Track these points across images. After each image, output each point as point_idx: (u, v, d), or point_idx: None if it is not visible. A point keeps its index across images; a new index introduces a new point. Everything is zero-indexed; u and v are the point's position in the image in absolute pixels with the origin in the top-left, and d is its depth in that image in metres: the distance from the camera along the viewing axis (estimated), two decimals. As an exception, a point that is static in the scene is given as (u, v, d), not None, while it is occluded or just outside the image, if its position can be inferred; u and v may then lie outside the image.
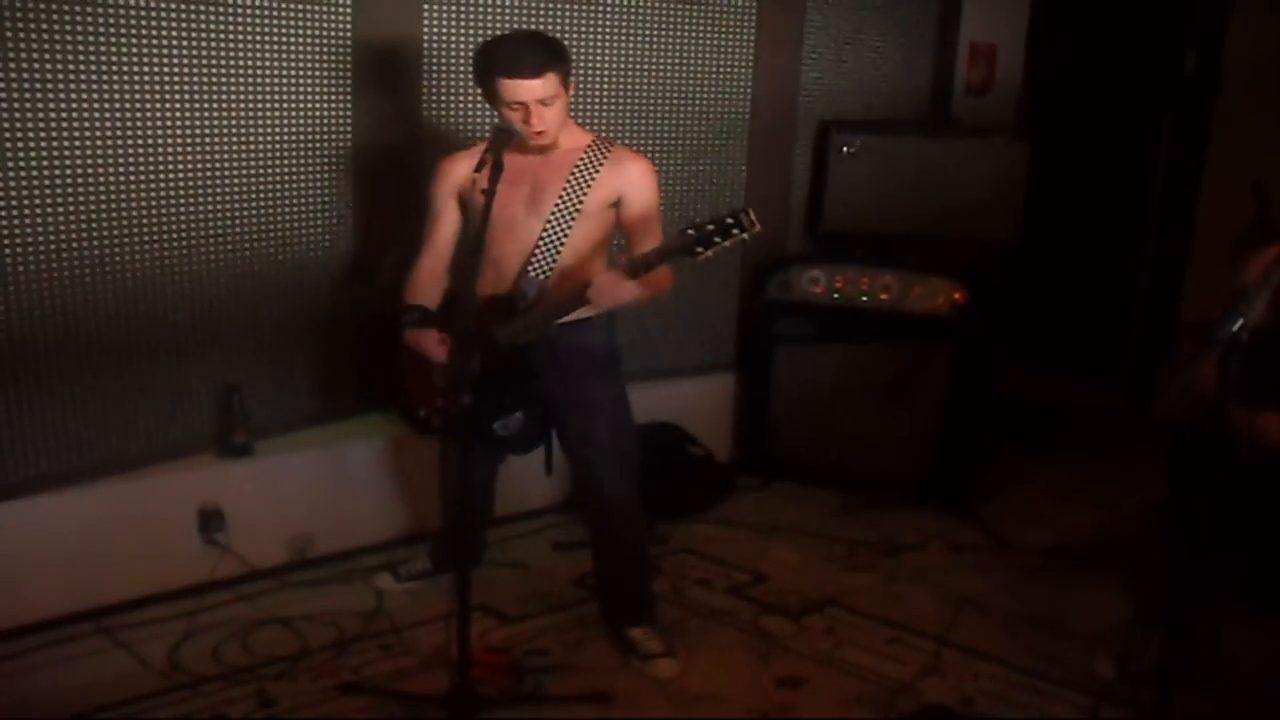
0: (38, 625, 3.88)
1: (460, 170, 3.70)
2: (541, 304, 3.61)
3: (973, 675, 3.81)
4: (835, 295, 5.24)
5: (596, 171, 3.62)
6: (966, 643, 4.01)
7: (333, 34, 4.32)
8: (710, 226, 3.28)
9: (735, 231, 3.27)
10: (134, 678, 3.67)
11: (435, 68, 4.56)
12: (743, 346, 5.55)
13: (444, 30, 4.54)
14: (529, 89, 3.43)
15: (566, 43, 3.61)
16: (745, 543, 4.82)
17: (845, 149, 5.45)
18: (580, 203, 3.62)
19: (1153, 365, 5.98)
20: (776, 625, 4.12)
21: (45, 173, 3.71)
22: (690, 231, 3.30)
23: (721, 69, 5.25)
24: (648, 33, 5.02)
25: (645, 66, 5.05)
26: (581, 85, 4.83)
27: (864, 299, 5.19)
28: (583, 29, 4.83)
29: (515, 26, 4.59)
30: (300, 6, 4.21)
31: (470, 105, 4.60)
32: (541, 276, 3.63)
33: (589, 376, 3.78)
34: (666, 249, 3.44)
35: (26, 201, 3.69)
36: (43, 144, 3.69)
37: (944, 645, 3.99)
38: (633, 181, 3.65)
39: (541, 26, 4.65)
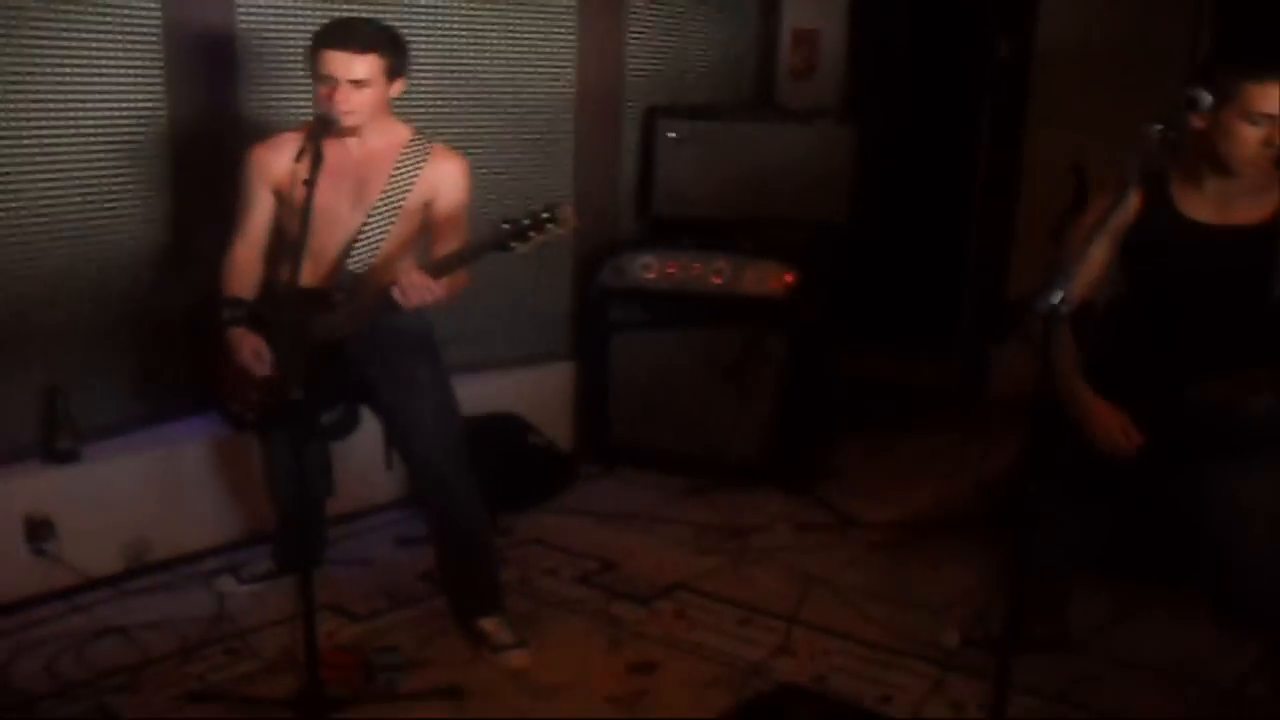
0: None
1: (275, 158, 3.63)
2: (358, 298, 3.56)
3: (823, 652, 3.86)
4: (668, 280, 5.25)
5: (419, 168, 3.61)
6: (816, 621, 4.06)
7: (141, 21, 4.18)
8: (525, 221, 3.24)
9: (550, 226, 3.24)
10: None
11: (252, 55, 4.44)
12: (578, 334, 5.54)
13: (259, 17, 4.43)
14: (343, 63, 3.39)
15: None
16: (591, 530, 4.82)
17: (672, 134, 5.48)
18: (403, 198, 3.60)
19: (982, 342, 6.15)
20: (627, 611, 4.12)
21: None
22: (505, 225, 3.27)
23: (544, 57, 5.23)
24: (469, 21, 4.98)
25: (467, 55, 5.01)
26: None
27: (697, 283, 5.22)
28: (403, 17, 4.73)
29: (331, 13, 4.50)
30: None
31: (290, 93, 4.49)
32: (360, 271, 3.59)
33: (408, 359, 3.76)
34: (479, 245, 3.40)
35: None
36: None
37: (794, 624, 4.03)
38: (449, 180, 3.65)
39: (359, 11, 4.57)
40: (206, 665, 3.70)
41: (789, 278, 5.10)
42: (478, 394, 4.95)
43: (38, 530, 4.03)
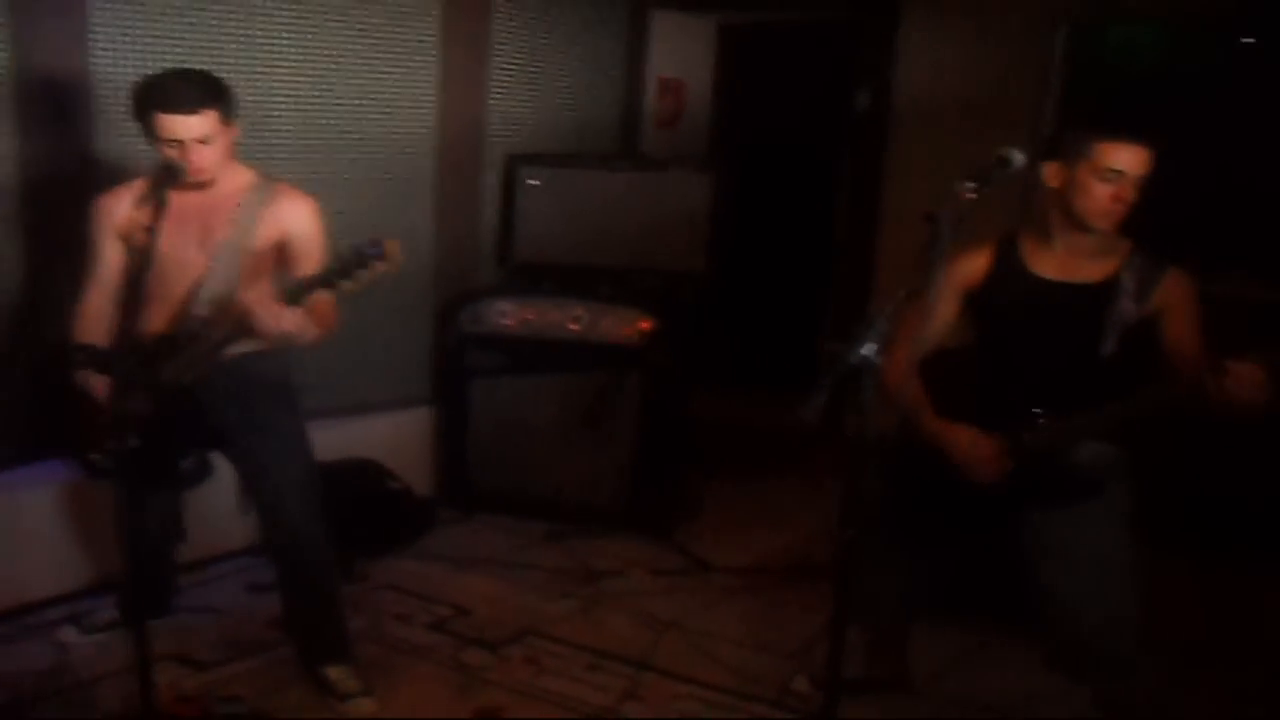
0: None
1: (119, 208, 3.62)
2: (203, 339, 3.54)
3: (673, 697, 3.89)
4: (526, 327, 5.28)
5: (263, 209, 3.61)
6: (667, 666, 4.09)
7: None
8: (350, 257, 3.23)
9: (375, 262, 3.22)
10: None
11: (106, 101, 4.41)
12: (438, 380, 5.54)
13: (113, 62, 4.39)
14: (185, 125, 3.39)
15: (241, 76, 3.56)
16: (446, 576, 4.81)
17: (531, 181, 5.52)
18: (248, 239, 3.60)
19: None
20: (476, 658, 4.12)
21: None
22: (331, 264, 3.28)
23: (405, 101, 5.25)
24: (328, 63, 4.97)
25: (326, 98, 5.00)
26: (258, 120, 4.75)
27: (554, 330, 5.26)
28: (258, 62, 4.74)
29: (187, 58, 4.49)
30: None
31: (145, 139, 4.45)
32: (204, 313, 3.58)
33: (264, 405, 3.76)
34: (311, 279, 3.37)
35: None
36: None
37: (644, 669, 4.06)
38: (297, 219, 3.66)
39: (214, 58, 4.56)
40: (44, 718, 3.63)
41: (645, 324, 5.16)
42: (336, 439, 4.94)
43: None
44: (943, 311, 3.42)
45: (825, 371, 2.52)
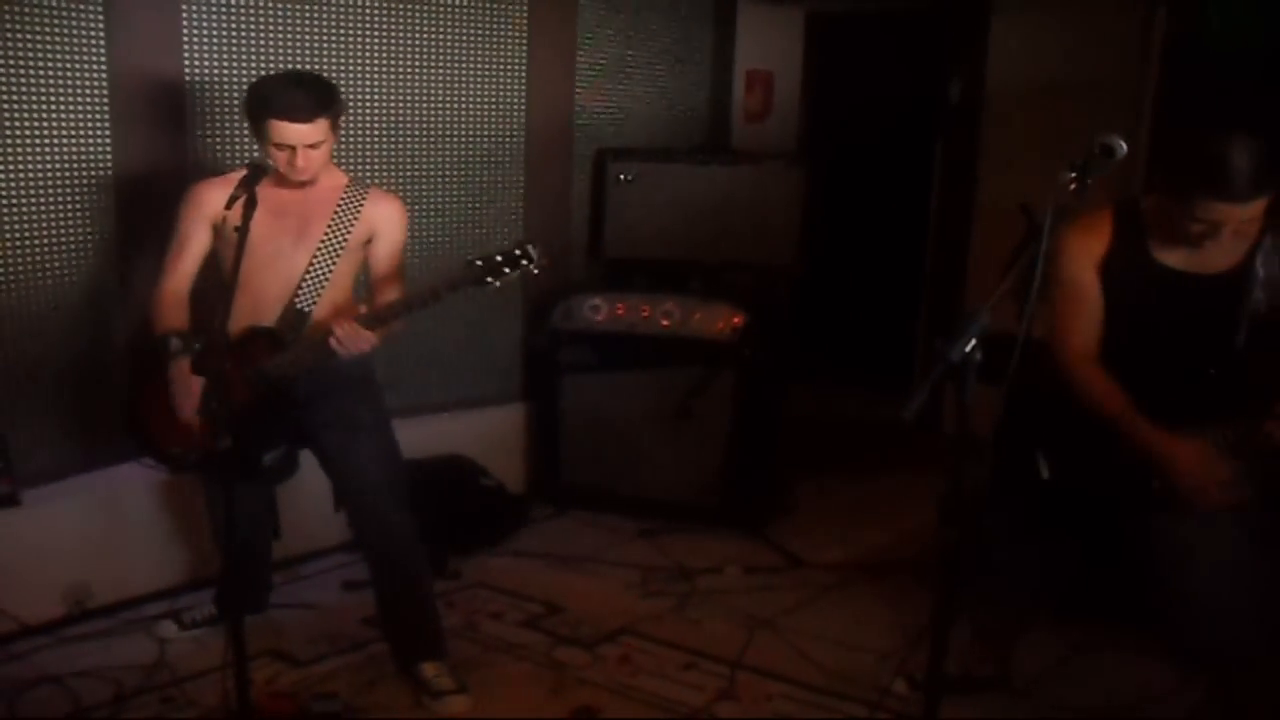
0: None
1: (215, 198, 3.62)
2: (307, 338, 3.58)
3: (767, 696, 3.85)
4: (618, 322, 5.26)
5: (359, 208, 3.68)
6: (761, 664, 4.05)
7: (87, 68, 4.18)
8: (498, 257, 3.31)
9: (523, 263, 3.32)
10: None
11: (199, 99, 4.45)
12: (529, 376, 5.54)
13: (206, 63, 4.43)
14: (299, 133, 3.45)
15: (333, 75, 3.56)
16: (539, 573, 4.80)
17: (622, 177, 5.49)
18: (345, 238, 3.66)
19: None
20: (571, 656, 4.10)
21: None
22: (478, 263, 3.32)
23: (494, 100, 5.24)
24: (415, 68, 4.98)
25: (414, 102, 5.01)
26: (352, 120, 4.77)
27: (646, 325, 5.22)
28: (350, 62, 4.77)
29: (279, 59, 4.53)
30: (51, 41, 4.06)
31: (235, 136, 4.50)
32: (307, 310, 3.63)
33: (348, 398, 3.77)
34: (452, 282, 3.44)
35: None
36: None
37: (738, 668, 4.02)
38: (387, 219, 3.73)
39: (308, 58, 4.60)
40: (141, 714, 3.66)
41: (737, 319, 5.11)
42: (429, 436, 4.96)
43: (-24, 576, 3.99)
44: (1089, 293, 3.29)
45: (925, 368, 2.46)
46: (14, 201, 4.07)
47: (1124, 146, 2.59)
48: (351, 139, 4.79)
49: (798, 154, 6.34)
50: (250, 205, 3.15)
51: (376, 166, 4.88)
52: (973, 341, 2.41)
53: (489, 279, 3.36)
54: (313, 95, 3.50)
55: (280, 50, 4.56)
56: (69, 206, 4.23)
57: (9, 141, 4.01)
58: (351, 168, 3.78)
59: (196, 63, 4.43)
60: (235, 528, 3.60)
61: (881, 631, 4.29)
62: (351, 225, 3.66)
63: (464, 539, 4.89)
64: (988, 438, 3.36)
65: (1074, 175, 2.60)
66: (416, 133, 5.04)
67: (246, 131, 3.70)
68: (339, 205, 3.66)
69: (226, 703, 3.61)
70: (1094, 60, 5.77)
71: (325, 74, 4.08)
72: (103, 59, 4.21)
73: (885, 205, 7.35)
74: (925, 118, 6.75)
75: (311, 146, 3.48)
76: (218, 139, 4.51)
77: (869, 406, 6.85)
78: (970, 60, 6.19)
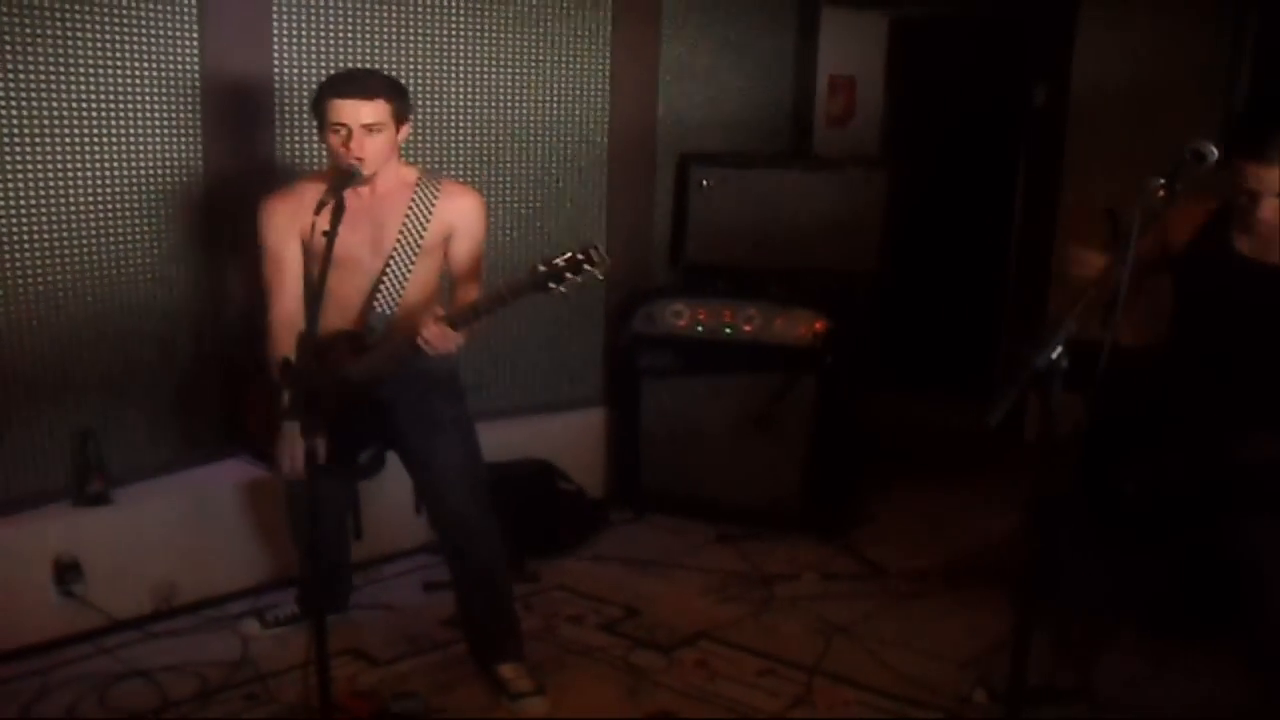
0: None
1: (293, 210, 3.66)
2: (390, 340, 3.60)
3: (844, 704, 3.83)
4: (699, 328, 5.26)
5: (432, 206, 3.66)
6: (839, 671, 4.03)
7: (180, 73, 4.27)
8: (561, 262, 3.29)
9: (587, 267, 3.29)
10: None
11: (288, 105, 4.51)
12: (610, 381, 5.55)
13: (295, 67, 4.50)
14: (354, 110, 3.44)
15: (417, 79, 3.59)
16: (617, 577, 4.81)
17: (704, 182, 5.50)
18: (420, 239, 3.65)
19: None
20: (648, 660, 4.10)
21: None
22: (541, 267, 3.31)
23: (577, 104, 5.28)
24: (502, 69, 5.03)
25: (500, 103, 5.06)
26: (434, 121, 4.83)
27: (727, 331, 5.22)
28: (434, 66, 4.82)
29: (365, 61, 4.59)
30: (146, 47, 4.15)
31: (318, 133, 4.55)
32: (388, 312, 3.65)
33: (430, 397, 3.78)
34: (516, 287, 3.41)
35: None
36: None
37: (815, 675, 4.00)
38: (465, 214, 3.71)
39: (392, 61, 4.66)
40: (226, 709, 3.72)
41: (819, 325, 5.09)
42: (510, 439, 4.99)
43: (66, 572, 4.06)
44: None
45: (1009, 375, 2.44)
46: (107, 203, 4.16)
47: (1215, 152, 2.56)
48: (435, 142, 4.84)
49: (880, 159, 6.31)
50: (339, 210, 3.18)
51: (459, 169, 4.92)
52: (1059, 348, 2.39)
53: (552, 284, 3.31)
54: (372, 77, 3.56)
55: (366, 53, 4.62)
56: (161, 208, 4.32)
57: (102, 144, 4.10)
58: (433, 166, 3.80)
59: (286, 64, 4.49)
60: (318, 529, 3.66)
61: (961, 640, 4.25)
62: (426, 223, 3.65)
63: (543, 542, 4.92)
64: (1071, 445, 3.33)
65: (1163, 182, 2.57)
66: (499, 137, 5.09)
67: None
68: (412, 203, 3.65)
69: (308, 700, 3.66)
70: (1183, 64, 5.69)
71: (410, 77, 4.13)
72: (196, 61, 4.29)
73: (968, 210, 7.30)
74: (1009, 122, 6.69)
75: (367, 129, 3.46)
76: (305, 141, 4.56)
77: (949, 413, 6.79)
78: (1055, 64, 6.13)
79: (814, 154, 6.26)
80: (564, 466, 5.22)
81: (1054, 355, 2.40)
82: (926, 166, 6.75)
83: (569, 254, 3.30)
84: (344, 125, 3.45)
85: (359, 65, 4.52)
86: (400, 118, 3.55)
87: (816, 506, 5.21)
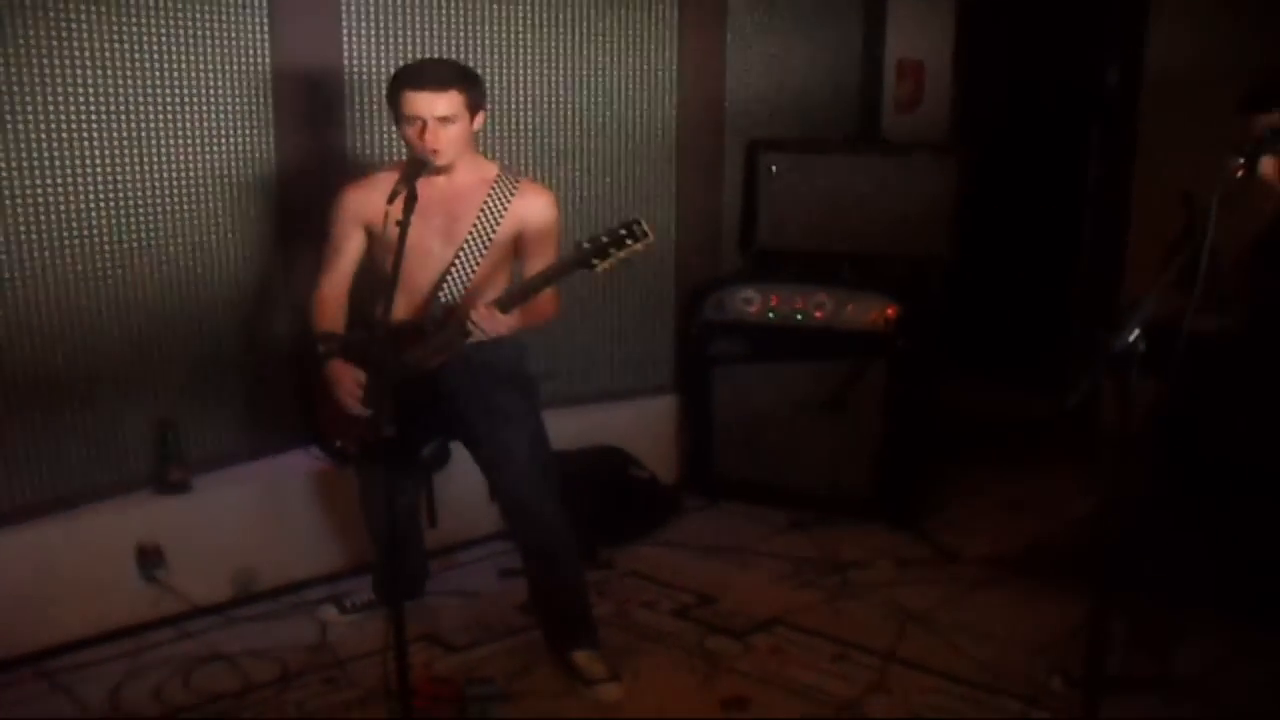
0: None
1: (366, 199, 3.71)
2: (447, 330, 3.62)
3: (919, 690, 3.82)
4: (770, 314, 5.25)
5: (507, 203, 3.68)
6: (913, 658, 4.02)
7: (251, 66, 4.33)
8: (604, 238, 3.30)
9: (629, 241, 3.29)
10: None
11: (358, 96, 4.56)
12: (682, 368, 5.56)
13: (365, 59, 4.54)
14: (428, 102, 3.47)
15: (486, 65, 3.61)
16: (690, 564, 4.82)
17: (774, 168, 5.49)
18: (492, 234, 3.67)
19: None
20: (722, 646, 4.11)
21: None
22: (585, 245, 3.33)
23: (643, 91, 5.28)
24: (569, 57, 5.04)
25: (568, 92, 5.08)
26: (503, 109, 4.86)
27: (799, 317, 5.21)
28: (502, 55, 4.84)
29: (435, 53, 4.61)
30: (217, 39, 4.22)
31: (392, 133, 4.57)
32: (450, 302, 3.69)
33: (499, 388, 3.81)
34: (560, 266, 3.46)
35: None
36: None
37: (890, 661, 4.00)
38: (538, 213, 3.72)
39: (461, 49, 4.68)
40: (306, 693, 3.78)
41: (891, 310, 5.07)
42: (582, 427, 5.01)
43: (149, 559, 4.15)
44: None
45: (1084, 359, 2.43)
46: (183, 196, 4.23)
47: (1294, 131, 2.53)
48: (502, 130, 4.86)
49: (950, 143, 6.26)
50: (412, 200, 3.21)
51: (527, 159, 4.95)
52: (1136, 331, 2.38)
53: (595, 260, 3.32)
54: (445, 68, 3.58)
55: (435, 43, 4.65)
56: (236, 201, 4.39)
57: (177, 138, 4.17)
58: (502, 159, 3.82)
59: (356, 56, 4.54)
60: (391, 517, 3.71)
61: (1036, 627, 4.22)
62: (499, 219, 3.67)
63: (616, 529, 4.94)
64: (1147, 429, 3.30)
65: (1242, 161, 2.54)
66: (567, 125, 5.11)
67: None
68: (487, 199, 3.67)
69: (387, 684, 3.70)
70: (1260, 43, 5.60)
71: (479, 66, 4.14)
72: (266, 56, 4.35)
73: (1040, 194, 7.22)
74: (1081, 105, 6.62)
75: (442, 121, 3.49)
76: (376, 135, 4.61)
77: (1022, 399, 6.74)
78: (1129, 44, 6.05)
79: (883, 139, 6.23)
80: (636, 453, 5.23)
81: (1131, 338, 2.38)
82: (997, 150, 6.69)
83: (611, 229, 3.31)
84: (418, 117, 3.48)
85: (430, 56, 4.55)
86: (474, 107, 3.57)
87: (889, 492, 5.19)
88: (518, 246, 3.74)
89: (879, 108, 6.38)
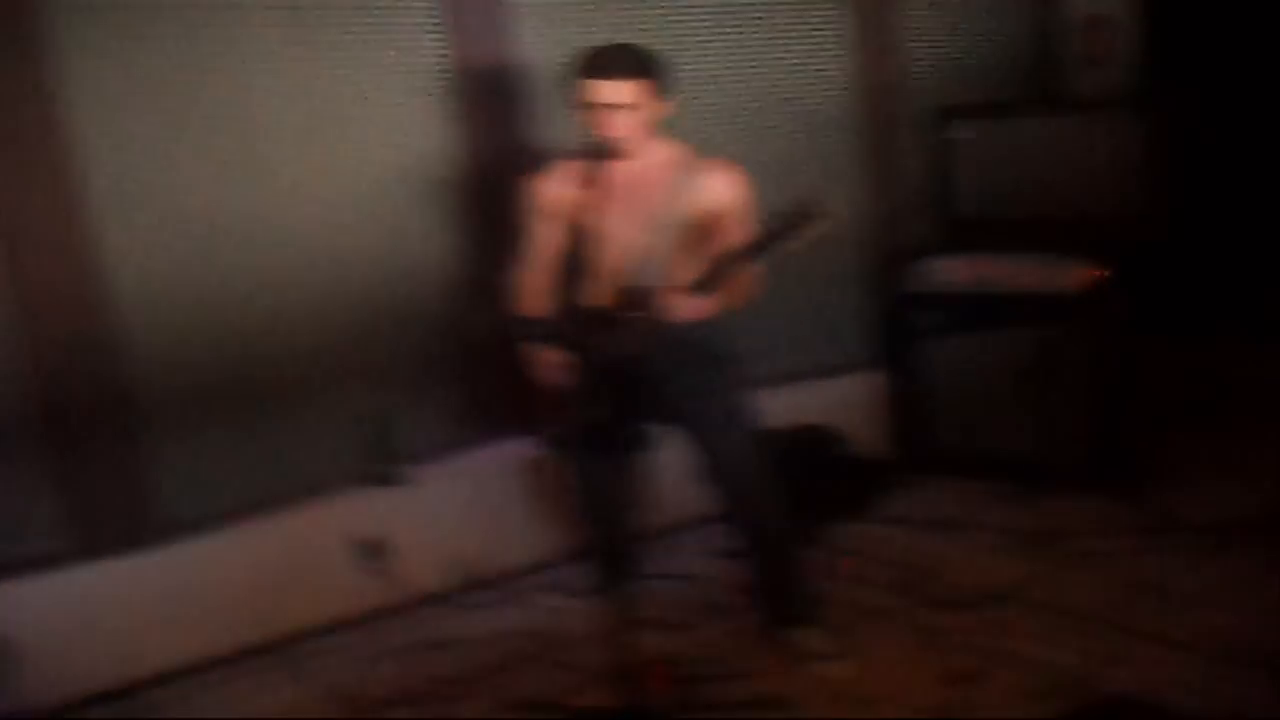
0: (206, 664, 4.01)
1: (554, 187, 3.73)
2: (643, 314, 3.58)
3: (1158, 663, 3.69)
4: (971, 283, 5.15)
5: (694, 184, 3.63)
6: (1147, 629, 3.88)
7: (431, 62, 4.37)
8: (785, 218, 3.26)
9: (810, 221, 3.23)
10: (297, 708, 3.78)
11: (540, 86, 4.56)
12: (883, 342, 5.48)
13: (542, 48, 4.54)
14: (602, 91, 3.47)
15: (665, 43, 3.60)
16: (906, 539, 4.75)
17: (964, 134, 5.36)
18: (679, 214, 3.63)
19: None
20: (946, 620, 4.04)
21: (178, 215, 3.89)
22: (771, 224, 3.29)
23: (823, 63, 5.17)
24: (742, 33, 4.97)
25: (742, 74, 5.00)
26: (684, 87, 4.78)
27: (1000, 285, 5.09)
28: (676, 32, 4.79)
29: (613, 38, 4.59)
30: (394, 38, 4.28)
31: (578, 122, 4.58)
32: (645, 286, 3.62)
33: (700, 369, 3.78)
34: (741, 250, 3.40)
35: (165, 244, 3.87)
36: (175, 190, 3.88)
37: (1122, 632, 3.87)
38: (725, 192, 3.67)
39: (632, 31, 4.62)
40: (530, 677, 3.84)
41: (1094, 274, 4.92)
42: (786, 406, 4.95)
43: (373, 550, 4.25)
44: None
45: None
46: (382, 198, 4.32)
47: None
48: (684, 110, 4.80)
49: (1144, 100, 6.04)
50: (596, 187, 3.21)
51: (708, 140, 4.87)
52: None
53: (780, 240, 3.27)
54: (626, 55, 3.55)
55: (609, 30, 4.56)
56: (433, 197, 4.44)
57: (368, 141, 4.26)
58: (686, 140, 3.78)
59: (531, 47, 4.54)
60: (603, 501, 3.73)
61: (1270, 595, 4.05)
62: (686, 201, 3.63)
63: (828, 507, 4.88)
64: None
65: None
66: (746, 104, 5.03)
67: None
68: (674, 181, 3.64)
69: (611, 667, 3.72)
70: None
71: (656, 45, 4.08)
72: (444, 49, 4.39)
73: (1245, 149, 6.95)
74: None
75: (623, 108, 3.49)
76: (562, 121, 4.59)
77: (1243, 361, 6.50)
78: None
79: (1074, 99, 6.03)
80: (844, 430, 5.17)
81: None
82: (1194, 105, 6.44)
83: (788, 212, 3.26)
84: (597, 104, 3.49)
85: (610, 42, 4.55)
86: (656, 93, 3.56)
87: (1105, 460, 5.03)
88: (710, 226, 3.69)
89: (1066, 67, 6.18)
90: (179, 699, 3.90)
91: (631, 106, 3.50)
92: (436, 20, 4.36)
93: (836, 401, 5.32)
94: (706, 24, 4.90)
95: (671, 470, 4.35)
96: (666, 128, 3.68)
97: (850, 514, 4.96)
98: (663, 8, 4.79)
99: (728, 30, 4.96)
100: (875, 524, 4.92)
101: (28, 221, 3.68)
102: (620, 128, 3.51)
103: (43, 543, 3.84)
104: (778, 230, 3.27)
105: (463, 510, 4.47)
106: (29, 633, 3.71)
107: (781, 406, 4.84)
